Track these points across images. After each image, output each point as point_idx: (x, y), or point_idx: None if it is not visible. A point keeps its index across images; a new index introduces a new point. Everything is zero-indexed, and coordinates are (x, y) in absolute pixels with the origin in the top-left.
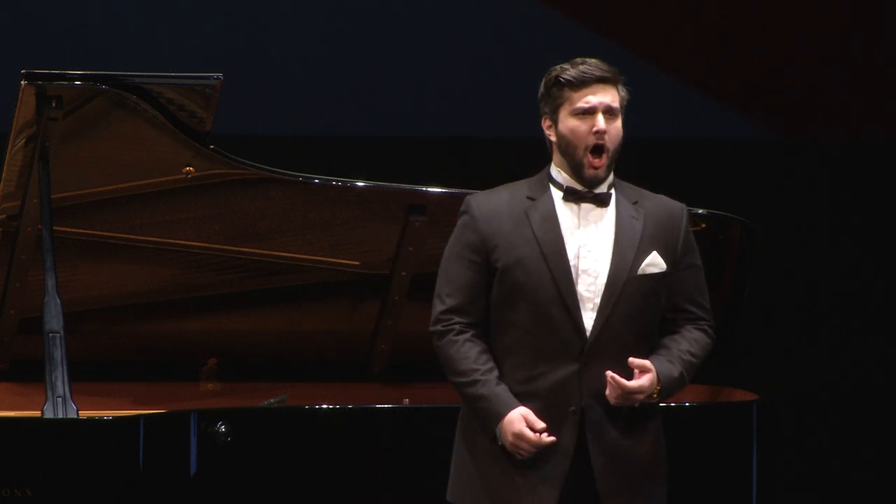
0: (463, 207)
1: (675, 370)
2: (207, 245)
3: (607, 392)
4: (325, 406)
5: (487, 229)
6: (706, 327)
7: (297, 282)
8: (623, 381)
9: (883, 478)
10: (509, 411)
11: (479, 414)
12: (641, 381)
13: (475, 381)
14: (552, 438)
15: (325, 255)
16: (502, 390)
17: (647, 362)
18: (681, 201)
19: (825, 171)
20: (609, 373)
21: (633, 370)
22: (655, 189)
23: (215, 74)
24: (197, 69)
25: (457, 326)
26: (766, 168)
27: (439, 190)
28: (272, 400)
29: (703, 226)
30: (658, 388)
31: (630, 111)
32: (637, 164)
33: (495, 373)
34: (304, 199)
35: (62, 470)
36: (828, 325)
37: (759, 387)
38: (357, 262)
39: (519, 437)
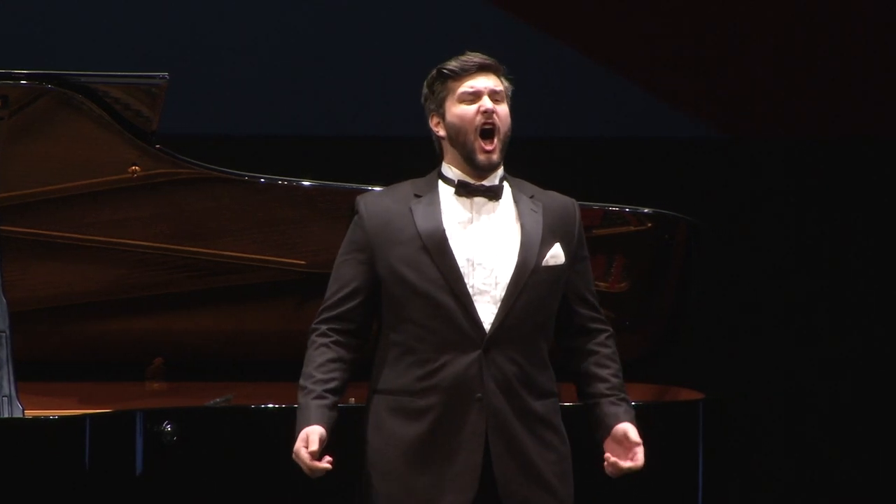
0: (354, 207)
1: (631, 411)
2: (154, 244)
3: (607, 468)
4: (271, 406)
5: (373, 227)
6: (612, 334)
7: (244, 281)
8: (628, 463)
9: (830, 477)
10: (305, 427)
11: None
12: (640, 457)
13: (304, 388)
14: (325, 466)
15: (272, 254)
16: (317, 405)
17: (634, 435)
18: (627, 200)
19: (770, 170)
20: (608, 456)
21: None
22: (605, 187)
23: (161, 74)
24: (143, 68)
25: (322, 329)
26: (711, 167)
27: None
28: (218, 399)
29: (650, 225)
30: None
31: (578, 110)
32: (583, 163)
33: (331, 385)
34: (250, 198)
35: (7, 469)
36: (774, 324)
37: (706, 386)
38: (304, 262)
39: (295, 454)
